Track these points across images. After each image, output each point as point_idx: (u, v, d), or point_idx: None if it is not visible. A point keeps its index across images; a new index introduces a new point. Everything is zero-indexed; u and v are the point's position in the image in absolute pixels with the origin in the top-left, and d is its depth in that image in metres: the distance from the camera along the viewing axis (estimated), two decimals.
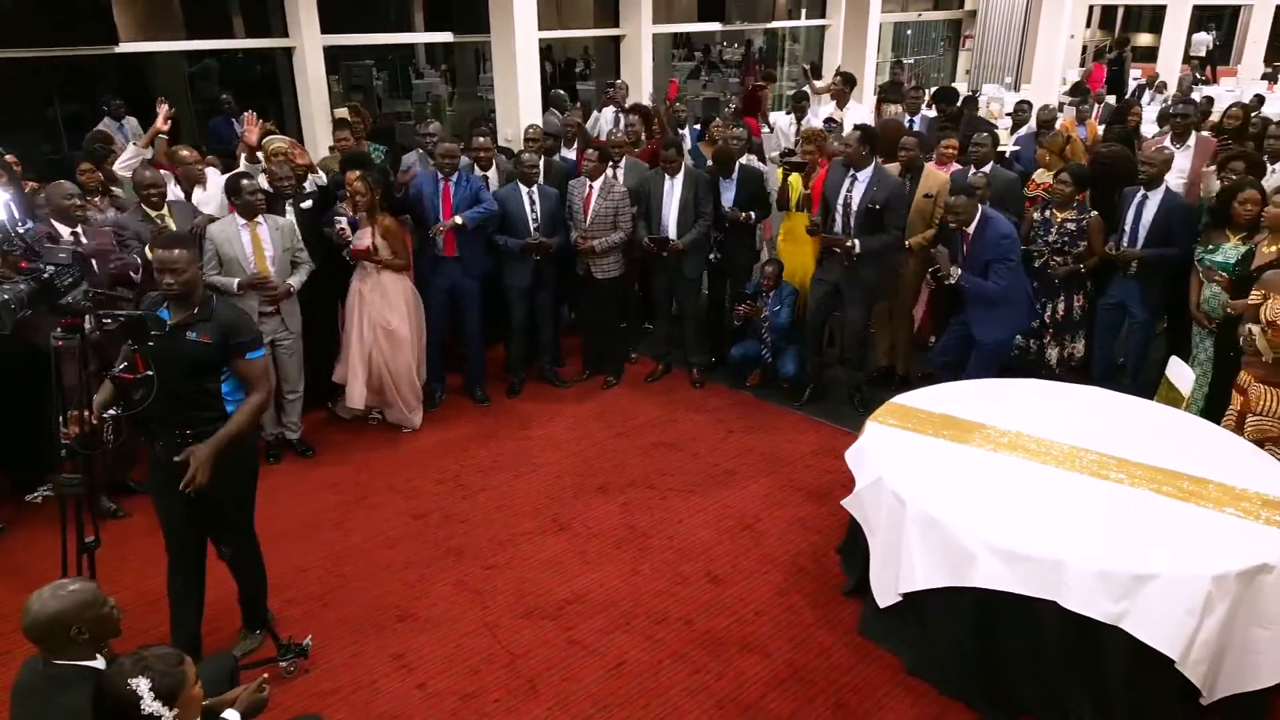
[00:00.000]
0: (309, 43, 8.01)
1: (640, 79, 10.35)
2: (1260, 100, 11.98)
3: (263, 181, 5.08)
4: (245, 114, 5.60)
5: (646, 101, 9.39)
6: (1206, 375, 4.79)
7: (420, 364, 5.57)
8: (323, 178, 5.72)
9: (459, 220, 5.38)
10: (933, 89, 9.14)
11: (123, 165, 5.26)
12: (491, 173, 6.04)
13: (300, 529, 4.53)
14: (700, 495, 4.83)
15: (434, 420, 5.68)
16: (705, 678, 3.51)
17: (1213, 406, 4.67)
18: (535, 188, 5.71)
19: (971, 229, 4.94)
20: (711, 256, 6.10)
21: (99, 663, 2.29)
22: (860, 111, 8.43)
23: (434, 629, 3.81)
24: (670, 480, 4.99)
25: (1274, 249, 4.32)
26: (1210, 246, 4.77)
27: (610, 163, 5.99)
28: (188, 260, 3.18)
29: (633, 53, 10.55)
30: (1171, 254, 5.06)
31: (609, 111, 8.24)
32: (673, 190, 5.81)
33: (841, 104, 8.20)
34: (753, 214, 5.92)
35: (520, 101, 8.43)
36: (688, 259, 5.86)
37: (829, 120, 7.80)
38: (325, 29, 8.15)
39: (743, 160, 6.15)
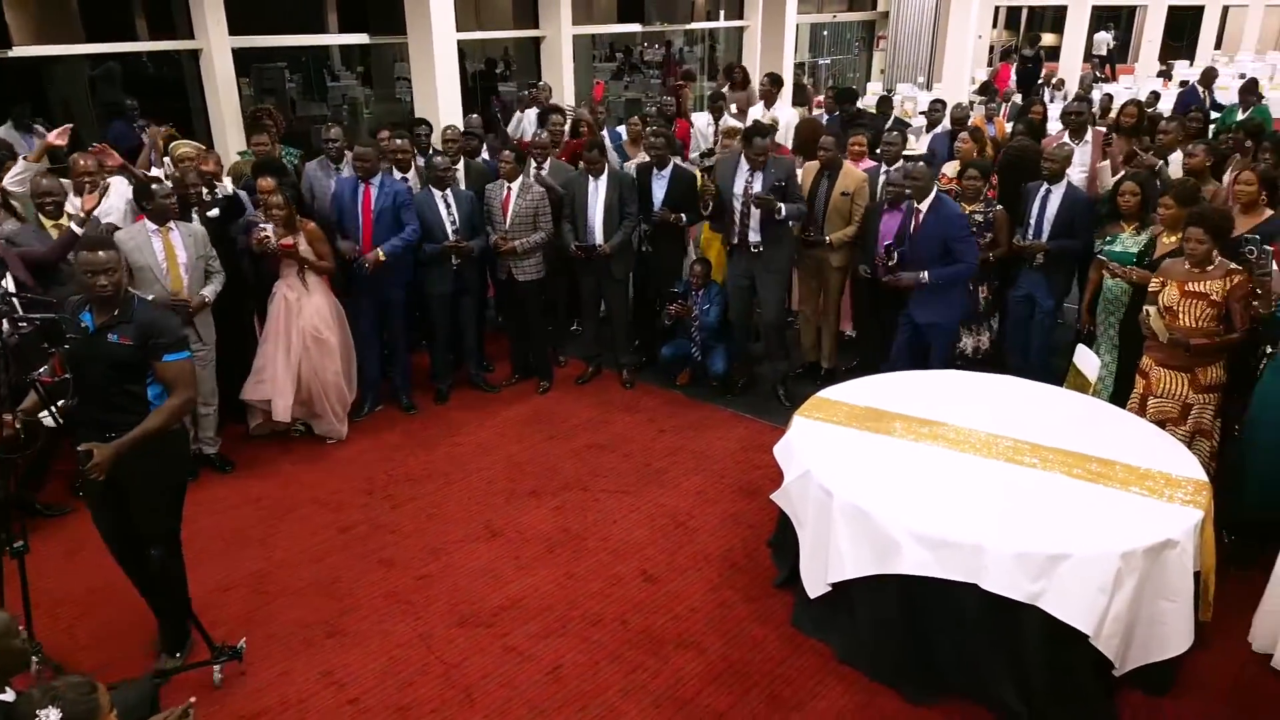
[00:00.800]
0: (216, 45, 7.77)
1: (561, 80, 10.35)
2: (1156, 96, 12.60)
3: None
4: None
5: (570, 104, 9.39)
6: (1112, 361, 5.02)
7: (350, 373, 5.45)
8: (229, 185, 5.56)
9: (381, 255, 5.32)
10: (832, 90, 9.34)
11: (12, 180, 4.98)
12: (410, 174, 5.96)
13: (222, 547, 4.39)
14: (633, 495, 4.85)
15: (360, 430, 5.57)
16: (642, 676, 3.53)
17: (1119, 391, 4.89)
18: (450, 191, 5.65)
19: (925, 206, 5.07)
20: (643, 248, 6.13)
21: (8, 695, 2.18)
22: (787, 111, 8.56)
23: (365, 643, 3.74)
24: (603, 481, 5.00)
25: (1173, 239, 4.55)
26: (1108, 238, 5.00)
27: (529, 163, 5.97)
28: (116, 260, 3.15)
29: (553, 54, 10.54)
30: (1074, 246, 5.28)
31: (532, 113, 8.21)
32: (597, 192, 5.81)
33: (770, 104, 8.32)
34: (684, 215, 5.97)
35: (440, 103, 8.34)
36: (615, 260, 5.88)
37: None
38: (234, 30, 7.92)
39: (676, 161, 6.21)
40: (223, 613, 3.90)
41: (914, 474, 3.63)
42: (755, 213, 5.40)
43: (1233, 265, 3.96)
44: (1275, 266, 3.77)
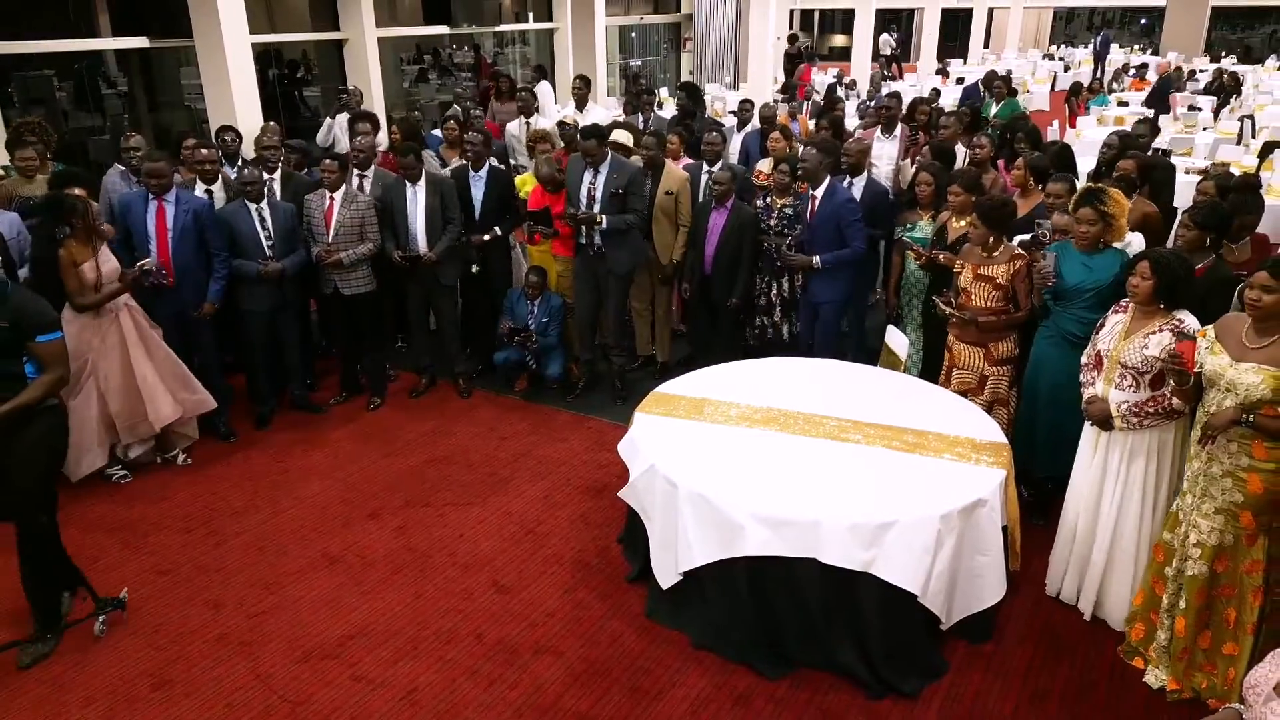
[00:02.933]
0: None
1: (369, 84, 9.98)
2: (936, 93, 13.72)
3: None
4: None
5: (381, 108, 9.06)
6: (918, 339, 5.42)
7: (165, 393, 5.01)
8: None
9: (208, 308, 5.15)
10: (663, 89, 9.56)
11: None
12: (217, 187, 5.57)
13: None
14: (479, 507, 4.76)
15: (174, 465, 5.15)
16: (501, 689, 3.48)
17: (927, 366, 5.29)
18: (266, 203, 5.33)
19: (820, 191, 5.27)
20: (474, 269, 6.03)
21: None
22: (598, 112, 8.66)
23: (197, 692, 3.46)
24: (446, 495, 4.88)
25: (962, 224, 4.96)
26: (909, 225, 5.40)
27: (352, 172, 5.74)
28: None
29: (358, 57, 10.14)
30: (846, 255, 5.37)
31: (343, 119, 7.87)
32: (416, 198, 5.66)
33: (581, 106, 8.38)
34: (498, 230, 5.89)
35: (236, 110, 7.83)
36: (442, 267, 5.74)
37: (561, 123, 7.94)
38: None
39: (493, 161, 6.13)
40: (26, 676, 3.50)
41: (751, 459, 3.78)
42: (601, 209, 5.46)
43: (1017, 250, 4.37)
44: (1047, 256, 4.19)
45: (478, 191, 5.92)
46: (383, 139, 7.27)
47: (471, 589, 4.08)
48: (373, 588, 4.10)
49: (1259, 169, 9.14)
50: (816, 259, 5.28)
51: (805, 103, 12.55)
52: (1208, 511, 3.23)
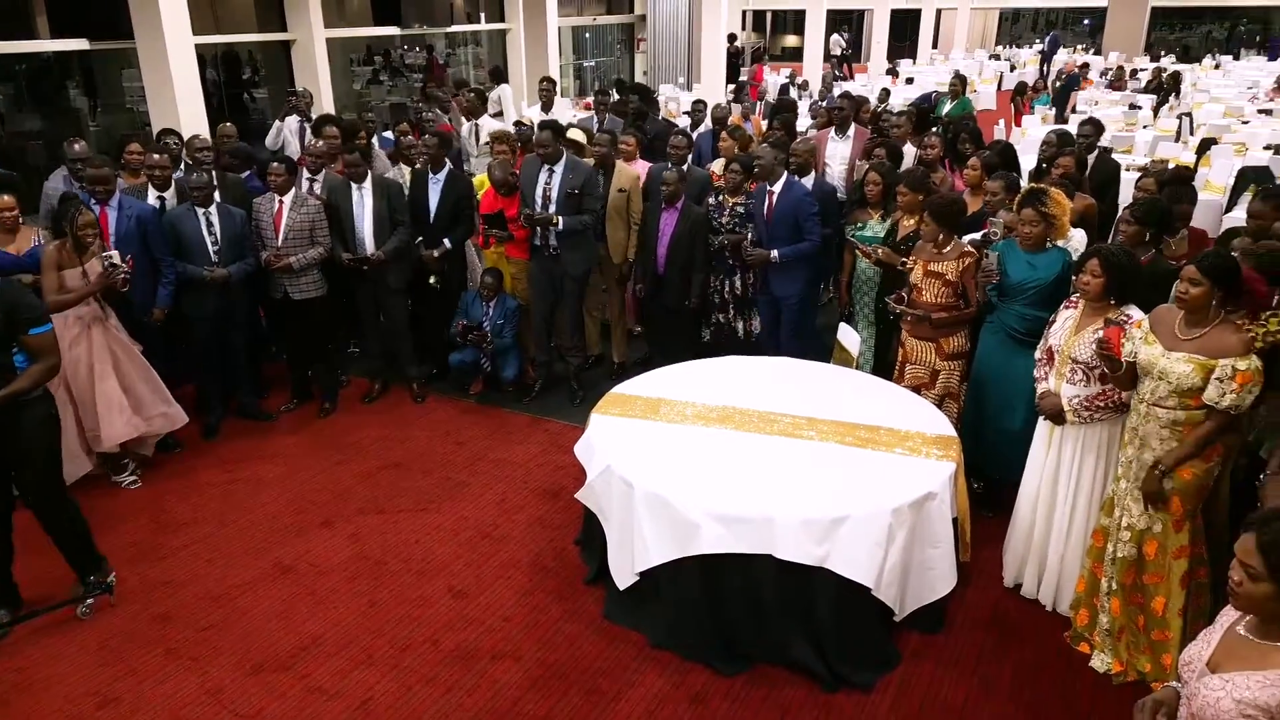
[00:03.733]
0: None
1: (318, 86, 9.84)
2: (886, 93, 13.90)
3: None
4: None
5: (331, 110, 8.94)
6: (870, 336, 5.49)
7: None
8: None
9: (158, 312, 5.08)
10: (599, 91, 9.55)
11: None
12: (169, 193, 5.45)
13: None
14: (434, 512, 4.72)
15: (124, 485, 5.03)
16: (458, 695, 3.45)
17: (879, 362, 5.36)
18: (214, 208, 5.23)
19: (777, 187, 5.32)
20: (432, 281, 5.97)
21: None
22: (565, 114, 8.64)
23: (145, 708, 3.38)
24: (401, 502, 4.82)
25: (912, 222, 5.04)
26: (859, 224, 5.46)
27: (303, 175, 5.66)
28: None
29: (306, 58, 10.00)
30: (805, 248, 5.45)
31: (293, 121, 7.75)
32: (363, 201, 5.60)
33: (547, 108, 8.35)
34: (447, 243, 5.86)
35: (180, 113, 7.68)
36: (391, 269, 5.68)
37: (518, 123, 7.91)
38: None
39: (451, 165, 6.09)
40: None
41: (707, 457, 3.79)
42: (557, 209, 5.46)
43: (967, 248, 4.45)
44: (990, 255, 4.28)
45: (434, 195, 5.86)
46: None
47: (427, 595, 4.04)
48: (326, 597, 4.04)
49: (1197, 165, 9.43)
50: (774, 253, 5.33)
51: (758, 103, 12.65)
52: (1139, 496, 3.33)
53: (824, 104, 10.54)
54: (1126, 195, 6.03)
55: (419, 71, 13.77)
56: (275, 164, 5.45)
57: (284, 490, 4.94)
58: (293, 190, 5.44)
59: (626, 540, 3.68)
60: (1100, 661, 3.53)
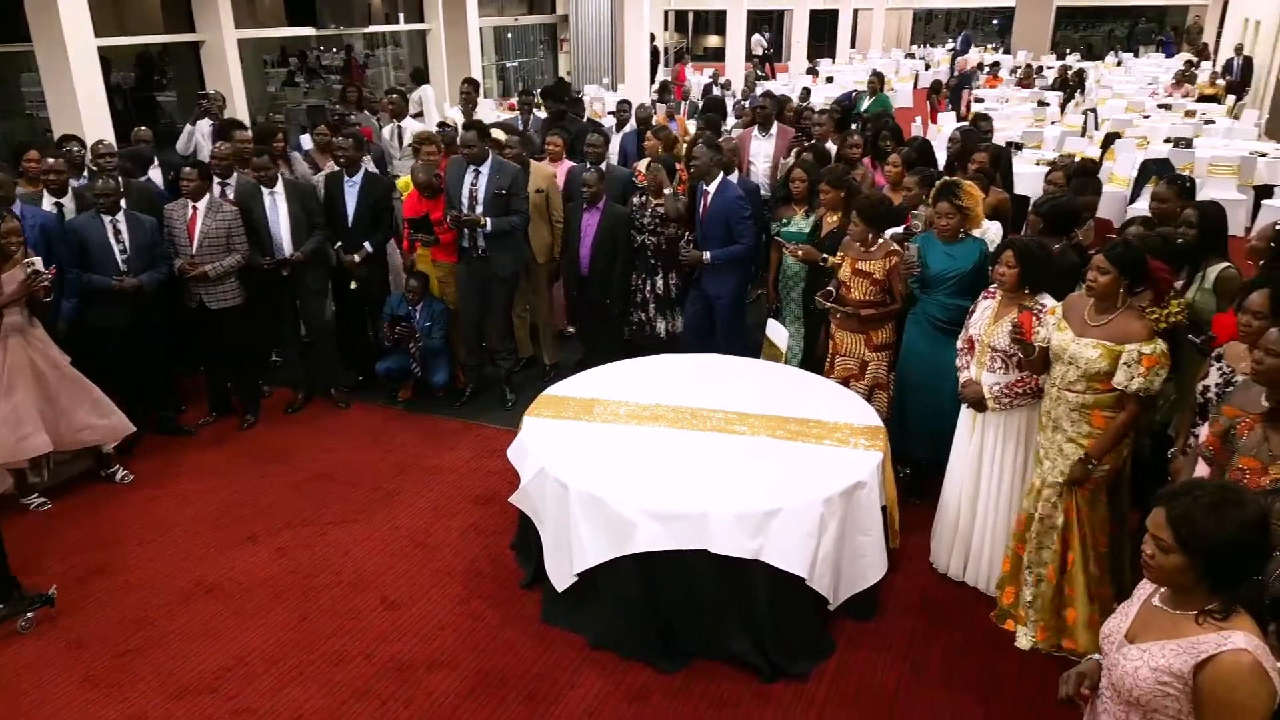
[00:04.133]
0: None
1: (230, 88, 9.53)
2: (807, 92, 14.13)
3: None
4: None
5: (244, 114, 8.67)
6: (798, 331, 5.57)
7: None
8: None
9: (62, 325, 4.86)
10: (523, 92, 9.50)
11: None
12: (67, 200, 5.21)
13: None
14: (364, 523, 4.61)
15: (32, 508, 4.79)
16: (393, 708, 3.38)
17: (807, 356, 5.44)
18: (122, 215, 5.01)
19: (713, 187, 5.33)
20: (353, 286, 5.84)
21: None
22: (488, 116, 8.53)
23: None
24: (329, 513, 4.70)
25: (835, 219, 5.13)
26: (784, 221, 5.54)
27: (215, 180, 5.47)
28: None
29: (216, 60, 9.68)
30: (737, 251, 5.51)
31: (205, 125, 7.48)
32: (276, 205, 5.45)
33: (469, 111, 8.24)
34: (368, 246, 5.75)
35: (83, 117, 7.34)
36: (310, 271, 5.53)
37: (442, 124, 7.81)
38: None
39: (369, 166, 5.96)
40: None
41: (641, 456, 3.80)
42: (484, 211, 5.40)
43: (893, 246, 4.55)
44: (910, 248, 4.39)
45: (351, 198, 5.74)
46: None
47: (359, 608, 3.95)
48: (253, 614, 3.91)
49: (1102, 159, 9.83)
50: (707, 254, 5.36)
51: (683, 103, 12.73)
52: (1058, 475, 3.45)
53: (747, 103, 10.66)
54: (1038, 188, 6.25)
55: (337, 73, 13.47)
56: (188, 169, 5.25)
57: (205, 506, 4.77)
58: (207, 196, 5.26)
59: (563, 542, 3.66)
60: (1025, 638, 3.64)
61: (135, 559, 4.32)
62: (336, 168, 5.88)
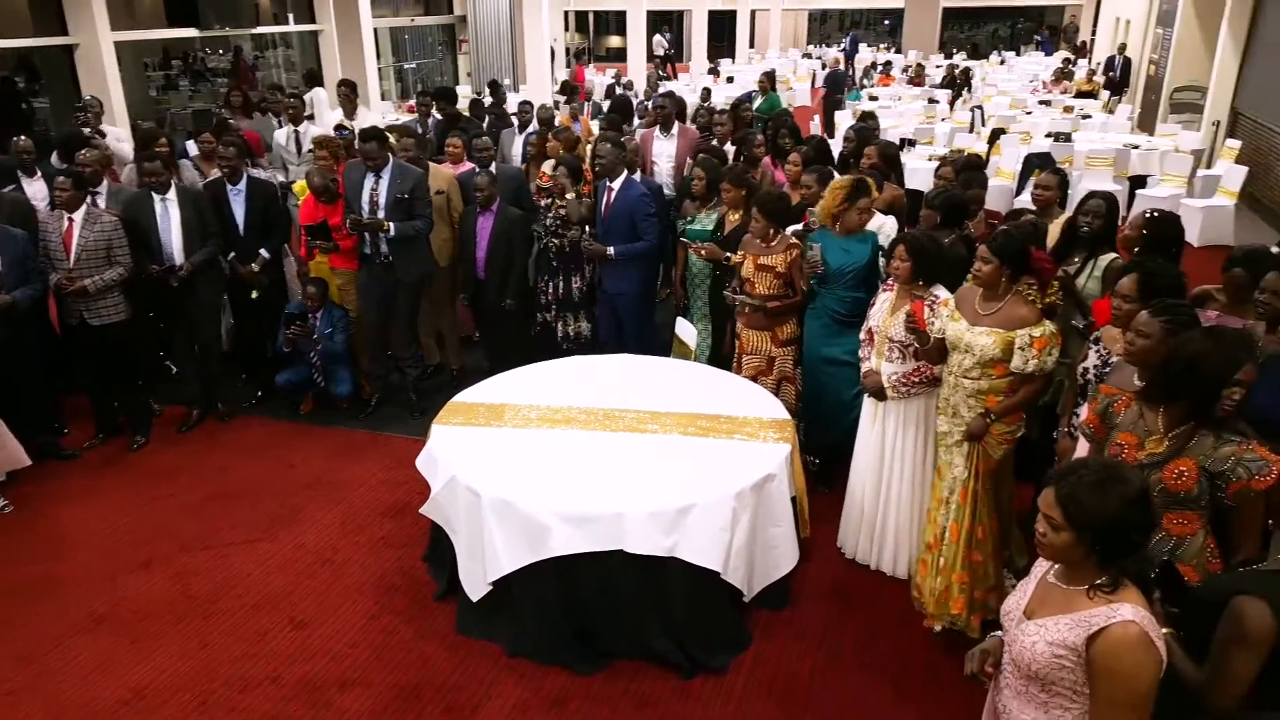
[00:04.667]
0: None
1: (108, 93, 9.06)
2: (708, 92, 14.30)
3: None
4: None
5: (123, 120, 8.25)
6: (706, 329, 5.62)
7: None
8: None
9: None
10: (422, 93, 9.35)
11: None
12: None
13: None
14: (268, 542, 4.45)
15: None
16: None
17: (715, 353, 5.50)
18: None
19: (617, 185, 5.32)
20: (254, 295, 5.62)
21: None
22: (371, 117, 8.33)
23: None
24: (230, 534, 4.52)
25: (737, 217, 5.21)
26: (689, 219, 5.59)
27: (91, 189, 5.19)
28: None
29: (92, 63, 9.19)
30: (642, 248, 5.52)
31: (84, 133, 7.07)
32: (168, 212, 5.21)
33: (349, 113, 8.02)
34: (264, 253, 5.55)
35: None
36: (201, 281, 5.31)
37: (339, 127, 7.59)
38: None
39: (251, 172, 5.74)
40: None
41: (553, 460, 3.77)
42: (385, 215, 5.28)
43: (792, 240, 4.64)
44: (813, 247, 4.48)
45: (238, 206, 5.52)
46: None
47: (265, 630, 3.81)
48: (150, 644, 3.73)
49: (989, 154, 10.26)
50: (611, 250, 5.36)
51: (586, 103, 12.72)
52: (959, 460, 3.58)
53: (650, 104, 10.72)
54: (930, 183, 6.48)
55: (224, 76, 12.96)
56: (61, 178, 4.96)
57: (95, 534, 4.53)
58: (83, 206, 4.98)
59: (477, 550, 3.61)
60: (934, 618, 3.76)
61: (20, 593, 4.06)
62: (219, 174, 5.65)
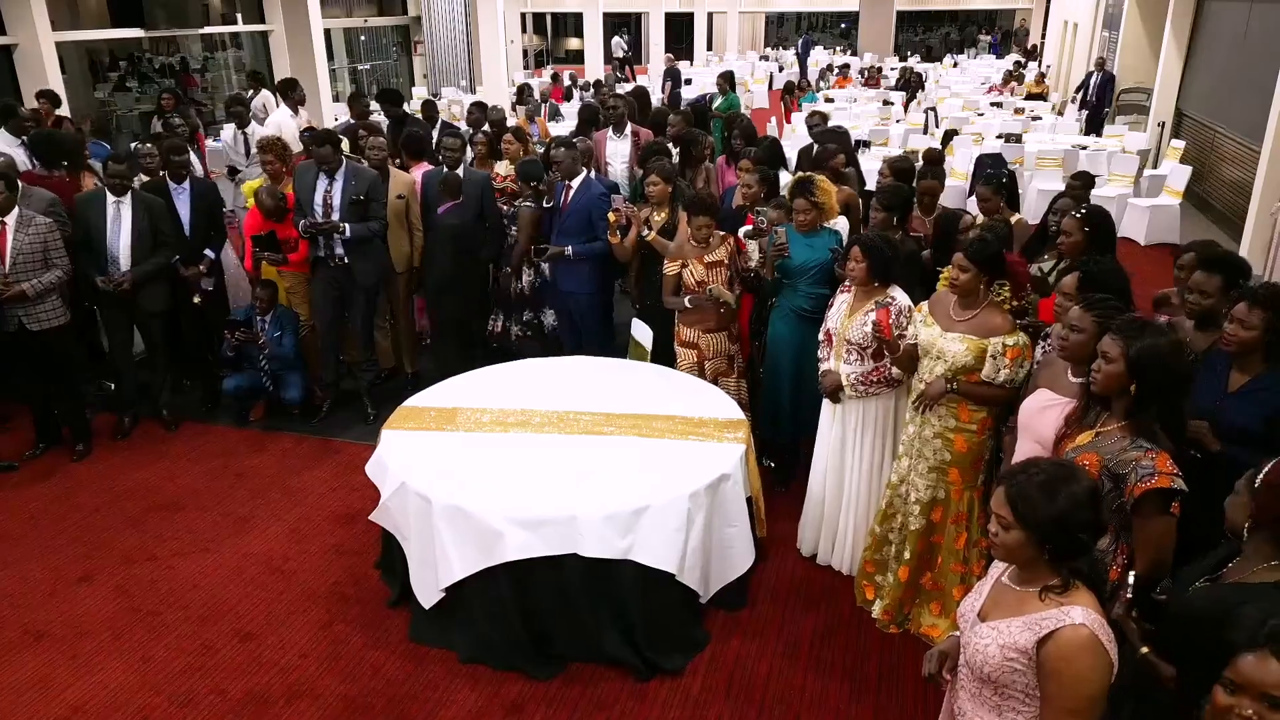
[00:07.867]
0: None
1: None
2: (678, 96, 14.29)
3: None
4: None
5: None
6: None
7: None
8: None
9: None
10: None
11: None
12: None
13: None
14: (215, 553, 4.34)
15: None
16: None
17: (668, 355, 5.48)
18: None
19: (575, 184, 5.29)
20: (196, 300, 5.49)
21: None
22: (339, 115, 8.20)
23: None
24: (175, 545, 4.40)
25: (662, 217, 5.22)
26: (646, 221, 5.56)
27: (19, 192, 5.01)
28: None
29: (32, 65, 8.93)
30: (597, 248, 5.48)
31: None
32: (120, 215, 5.07)
33: (296, 112, 7.90)
34: (209, 253, 5.43)
35: None
36: (145, 290, 5.17)
37: (308, 128, 7.47)
38: None
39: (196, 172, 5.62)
40: None
41: (506, 464, 3.72)
42: (341, 217, 5.20)
43: (723, 233, 4.67)
44: (779, 230, 4.49)
45: (183, 206, 5.40)
46: None
47: (211, 642, 3.71)
48: (90, 659, 3.61)
49: (943, 155, 10.38)
50: (569, 249, 5.33)
51: (543, 105, 12.63)
52: (923, 471, 3.57)
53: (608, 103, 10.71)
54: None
55: (172, 77, 12.69)
56: None
57: (34, 545, 4.38)
58: (15, 210, 4.82)
59: (429, 557, 3.54)
60: (881, 622, 3.77)
61: None
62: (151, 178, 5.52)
